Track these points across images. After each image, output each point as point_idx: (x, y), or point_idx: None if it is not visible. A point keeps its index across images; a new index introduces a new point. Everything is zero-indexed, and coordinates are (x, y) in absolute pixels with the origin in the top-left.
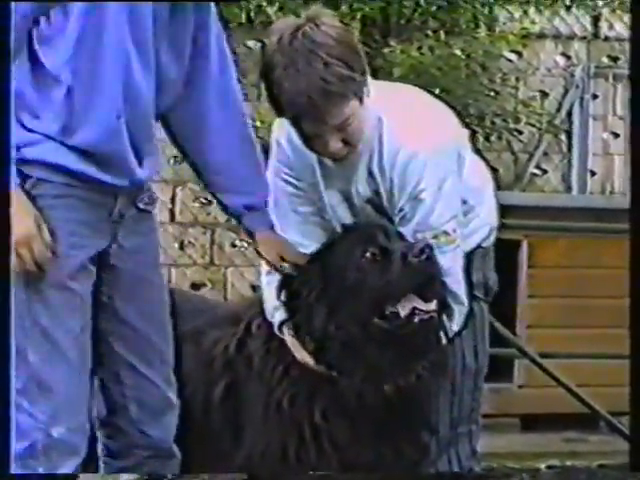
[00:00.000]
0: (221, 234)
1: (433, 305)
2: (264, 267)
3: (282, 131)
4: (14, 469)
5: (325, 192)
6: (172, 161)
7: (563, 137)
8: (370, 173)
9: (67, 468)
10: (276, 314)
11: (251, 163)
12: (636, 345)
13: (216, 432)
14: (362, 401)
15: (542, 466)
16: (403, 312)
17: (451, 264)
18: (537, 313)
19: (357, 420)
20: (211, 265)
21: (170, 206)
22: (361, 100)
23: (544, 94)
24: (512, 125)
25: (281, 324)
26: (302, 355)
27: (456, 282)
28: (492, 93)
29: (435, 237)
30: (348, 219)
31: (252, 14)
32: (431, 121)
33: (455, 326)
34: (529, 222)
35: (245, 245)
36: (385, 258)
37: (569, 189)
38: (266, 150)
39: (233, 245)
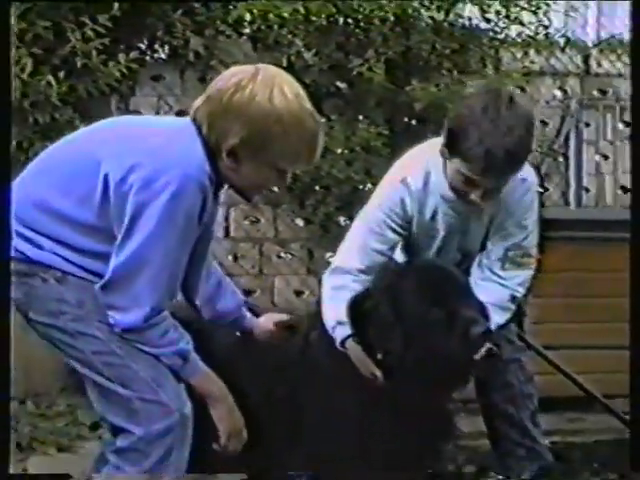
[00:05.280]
0: (268, 247)
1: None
2: (324, 287)
3: (406, 191)
4: None
5: (442, 237)
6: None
7: (561, 159)
8: (491, 220)
9: None
10: (338, 329)
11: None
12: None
13: (274, 434)
14: (419, 413)
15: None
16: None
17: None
18: (541, 311)
19: (410, 426)
20: (260, 274)
21: (225, 224)
22: None
23: (544, 123)
24: None
25: (345, 339)
26: (368, 368)
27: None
28: None
29: (522, 256)
30: (454, 250)
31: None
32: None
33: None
34: None
35: (289, 256)
36: (449, 322)
37: (567, 203)
38: None
39: (279, 257)
